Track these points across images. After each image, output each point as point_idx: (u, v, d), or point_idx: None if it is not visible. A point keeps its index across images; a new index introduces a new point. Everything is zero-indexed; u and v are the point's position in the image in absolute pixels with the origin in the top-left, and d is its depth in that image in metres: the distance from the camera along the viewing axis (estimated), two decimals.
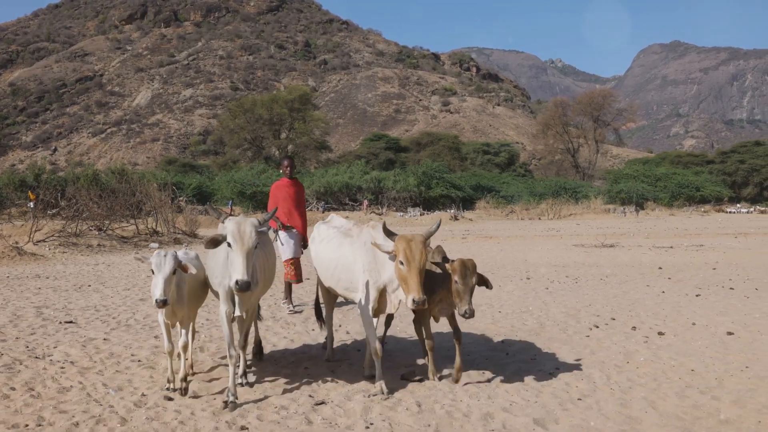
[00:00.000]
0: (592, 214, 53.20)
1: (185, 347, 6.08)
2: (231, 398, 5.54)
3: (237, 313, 5.76)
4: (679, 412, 5.44)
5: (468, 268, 5.86)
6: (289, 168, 10.71)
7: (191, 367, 6.64)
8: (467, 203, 59.29)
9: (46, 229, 22.48)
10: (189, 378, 6.20)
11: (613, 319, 9.35)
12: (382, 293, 6.14)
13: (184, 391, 5.89)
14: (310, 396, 5.89)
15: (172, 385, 6.02)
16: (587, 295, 11.65)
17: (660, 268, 16.08)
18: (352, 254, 6.33)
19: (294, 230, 10.32)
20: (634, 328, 8.78)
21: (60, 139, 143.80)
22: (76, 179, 37.93)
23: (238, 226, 5.38)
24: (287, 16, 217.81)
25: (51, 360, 7.01)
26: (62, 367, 6.73)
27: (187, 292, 6.00)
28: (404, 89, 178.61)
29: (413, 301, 5.47)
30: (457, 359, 6.25)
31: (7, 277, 14.39)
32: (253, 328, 7.08)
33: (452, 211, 51.26)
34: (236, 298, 5.70)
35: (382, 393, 5.86)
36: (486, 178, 75.40)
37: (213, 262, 6.01)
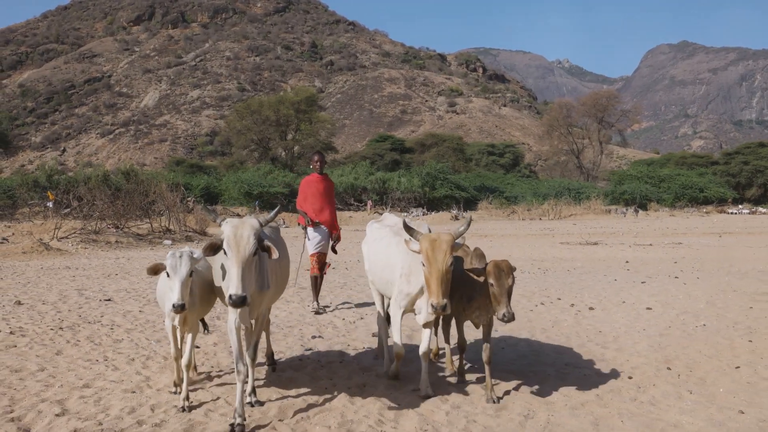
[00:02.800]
0: (592, 215, 53.32)
1: (189, 365, 5.75)
2: (238, 420, 5.05)
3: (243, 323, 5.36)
4: (573, 354, 7.35)
5: (502, 269, 5.57)
6: (318, 163, 10.50)
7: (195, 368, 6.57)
8: (471, 204, 59.68)
9: (64, 227, 24.32)
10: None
11: (559, 299, 11.10)
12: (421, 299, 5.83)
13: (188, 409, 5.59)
14: (302, 346, 7.86)
15: (179, 389, 5.79)
16: (548, 282, 13.28)
17: (627, 261, 17.63)
18: (396, 255, 6.07)
19: (322, 226, 10.31)
20: (572, 305, 10.56)
21: (69, 139, 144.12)
22: (87, 180, 39.01)
23: (234, 231, 4.93)
24: (294, 17, 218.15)
25: (101, 324, 9.03)
26: (111, 328, 8.75)
27: (202, 296, 5.81)
28: (410, 90, 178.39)
29: (432, 305, 5.27)
30: (488, 378, 5.90)
31: (41, 268, 16.20)
32: (264, 339, 6.71)
33: (453, 211, 51.78)
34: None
35: (426, 395, 5.80)
36: (490, 178, 75.45)
37: (217, 266, 5.63)
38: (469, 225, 5.85)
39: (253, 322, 5.67)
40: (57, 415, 5.29)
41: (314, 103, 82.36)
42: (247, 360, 5.49)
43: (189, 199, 40.39)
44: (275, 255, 5.08)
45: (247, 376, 5.45)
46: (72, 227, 25.08)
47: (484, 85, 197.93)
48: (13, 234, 25.01)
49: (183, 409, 5.49)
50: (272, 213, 5.32)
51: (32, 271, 15.51)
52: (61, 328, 8.70)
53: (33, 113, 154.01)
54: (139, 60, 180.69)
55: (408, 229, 5.66)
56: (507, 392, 5.98)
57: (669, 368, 6.71)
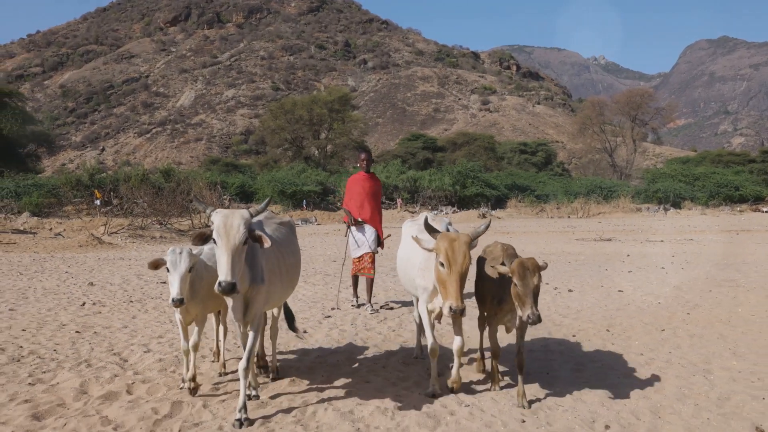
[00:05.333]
0: (621, 213, 53.29)
1: (195, 347, 5.99)
2: (243, 415, 5.20)
3: (234, 319, 5.39)
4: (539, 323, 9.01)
5: (527, 268, 5.30)
6: (365, 161, 10.42)
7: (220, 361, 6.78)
8: (501, 202, 60.22)
9: (111, 224, 26.49)
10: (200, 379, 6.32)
11: (547, 283, 12.63)
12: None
13: (193, 391, 5.86)
14: (322, 314, 9.73)
15: (187, 385, 5.93)
16: (544, 270, 14.47)
17: (628, 255, 18.88)
18: (417, 250, 5.87)
19: (366, 225, 10.23)
20: (555, 288, 12.18)
21: (107, 139, 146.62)
22: (128, 178, 40.61)
23: (224, 220, 4.93)
24: (327, 17, 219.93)
25: (162, 299, 10.99)
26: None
27: (205, 290, 5.83)
28: (443, 88, 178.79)
29: (450, 308, 5.07)
30: (520, 385, 5.68)
31: (98, 259, 18.30)
32: (269, 344, 6.81)
33: (481, 209, 52.17)
34: (230, 301, 5.33)
35: (433, 394, 5.79)
36: (522, 177, 75.29)
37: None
38: (488, 226, 5.72)
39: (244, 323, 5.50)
40: (144, 352, 7.34)
41: (347, 103, 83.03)
42: (242, 363, 5.38)
43: (225, 197, 42.00)
44: (267, 244, 5.08)
45: (246, 374, 5.41)
46: (119, 224, 27.19)
47: (518, 83, 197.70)
48: (65, 230, 27.13)
49: (190, 391, 5.85)
50: (263, 204, 5.36)
51: (92, 261, 17.58)
52: (131, 301, 10.81)
53: (73, 113, 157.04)
54: (176, 60, 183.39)
55: (429, 228, 5.51)
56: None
57: (608, 330, 8.47)
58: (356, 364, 6.90)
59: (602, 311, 9.76)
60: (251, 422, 5.16)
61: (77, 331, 8.38)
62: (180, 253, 5.46)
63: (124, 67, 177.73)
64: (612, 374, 6.43)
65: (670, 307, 10.05)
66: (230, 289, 4.70)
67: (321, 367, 6.84)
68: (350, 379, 6.34)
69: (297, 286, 11.96)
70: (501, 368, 6.43)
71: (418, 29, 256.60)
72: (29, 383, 6.05)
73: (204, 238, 5.15)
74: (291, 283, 6.26)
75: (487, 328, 6.07)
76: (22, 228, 27.49)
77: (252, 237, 5.03)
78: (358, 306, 10.19)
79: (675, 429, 4.96)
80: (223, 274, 4.74)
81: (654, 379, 6.25)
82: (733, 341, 7.69)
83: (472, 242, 5.34)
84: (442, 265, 5.20)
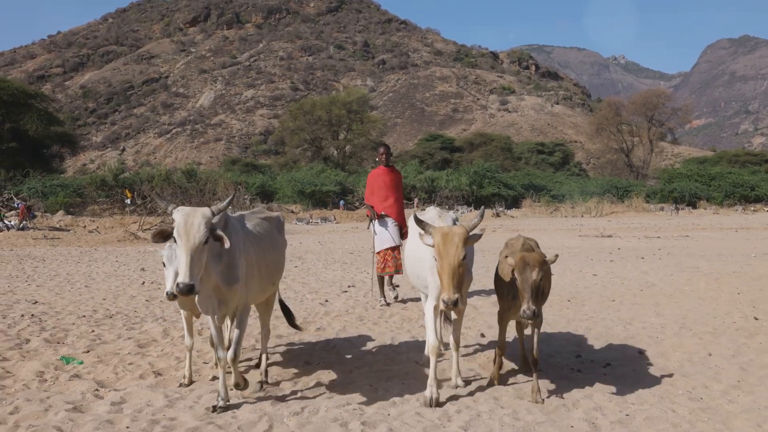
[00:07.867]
0: (633, 212, 53.56)
1: (190, 348, 6.21)
2: (220, 402, 5.33)
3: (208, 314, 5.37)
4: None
5: (527, 263, 5.32)
6: (384, 155, 10.53)
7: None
8: (518, 202, 61.23)
9: (142, 221, 28.61)
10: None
11: None
12: None
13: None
14: (340, 289, 11.85)
15: (186, 381, 6.03)
16: (553, 264, 16.45)
17: (619, 248, 20.50)
18: (425, 248, 5.74)
19: (389, 219, 10.36)
20: None
21: (128, 139, 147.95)
22: (151, 179, 42.49)
23: (185, 218, 4.78)
24: (346, 17, 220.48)
25: None
26: None
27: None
28: (462, 88, 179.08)
29: (443, 301, 5.12)
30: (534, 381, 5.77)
31: (139, 251, 20.38)
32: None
33: (496, 208, 52.70)
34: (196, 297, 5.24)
35: (430, 397, 5.62)
36: (539, 177, 75.89)
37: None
38: (482, 216, 5.66)
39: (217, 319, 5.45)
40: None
41: (365, 104, 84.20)
42: (229, 354, 5.42)
43: (246, 196, 43.64)
44: (227, 245, 4.88)
45: (228, 366, 5.46)
46: (150, 221, 29.26)
47: (537, 83, 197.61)
48: (98, 227, 29.21)
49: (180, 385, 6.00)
50: (225, 202, 5.17)
51: (134, 253, 19.71)
52: None
53: (94, 114, 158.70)
54: (195, 61, 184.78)
55: (418, 222, 5.59)
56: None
57: (569, 300, 10.45)
58: (365, 319, 9.09)
59: (570, 288, 11.65)
60: (226, 409, 5.31)
61: (146, 300, 10.51)
62: (176, 249, 5.15)
63: (144, 68, 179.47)
64: (557, 324, 8.53)
65: (630, 285, 11.93)
66: (188, 290, 4.61)
67: (338, 320, 9.04)
68: (360, 328, 8.49)
69: (319, 271, 14.09)
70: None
71: (436, 29, 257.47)
72: (126, 329, 8.21)
73: (165, 235, 5.07)
74: (271, 278, 6.18)
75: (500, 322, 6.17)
76: (58, 225, 29.58)
77: (213, 236, 4.90)
78: (388, 304, 10.28)
79: (586, 351, 7.15)
80: (181, 275, 4.64)
81: (586, 327, 8.37)
82: (662, 307, 9.72)
83: (468, 234, 5.33)
84: (435, 258, 5.34)
